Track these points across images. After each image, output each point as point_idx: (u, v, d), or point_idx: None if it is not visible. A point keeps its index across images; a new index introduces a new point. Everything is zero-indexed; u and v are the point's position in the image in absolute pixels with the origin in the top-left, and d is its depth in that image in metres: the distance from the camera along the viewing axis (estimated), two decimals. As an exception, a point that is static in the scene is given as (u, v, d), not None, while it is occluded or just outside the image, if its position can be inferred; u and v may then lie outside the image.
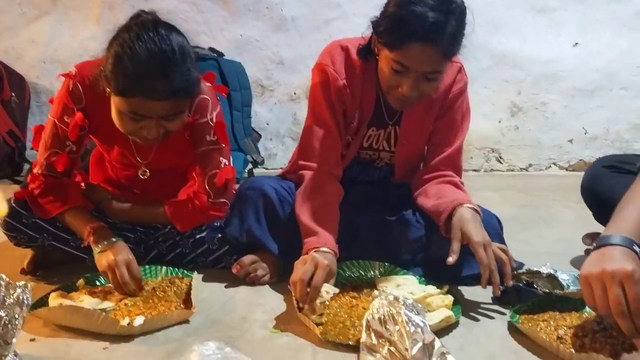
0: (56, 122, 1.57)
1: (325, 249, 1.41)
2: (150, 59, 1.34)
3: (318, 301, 1.36)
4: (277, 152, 3.54)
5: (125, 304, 1.42)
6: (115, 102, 1.42)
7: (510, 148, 3.39)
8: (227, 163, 1.66)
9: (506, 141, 3.38)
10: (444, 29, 1.34)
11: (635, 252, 1.09)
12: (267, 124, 3.51)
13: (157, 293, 1.47)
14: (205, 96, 1.60)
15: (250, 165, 3.16)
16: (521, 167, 3.40)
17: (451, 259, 1.37)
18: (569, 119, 3.32)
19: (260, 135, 3.34)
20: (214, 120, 1.61)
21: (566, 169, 3.36)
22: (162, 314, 1.35)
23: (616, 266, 1.05)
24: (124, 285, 1.44)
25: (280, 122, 3.51)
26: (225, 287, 1.59)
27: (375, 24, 1.45)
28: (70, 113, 1.55)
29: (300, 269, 1.35)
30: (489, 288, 1.39)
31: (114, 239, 1.51)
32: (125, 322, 1.30)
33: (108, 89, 1.42)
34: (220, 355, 0.84)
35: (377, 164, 1.74)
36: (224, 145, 1.65)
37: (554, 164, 3.38)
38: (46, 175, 1.60)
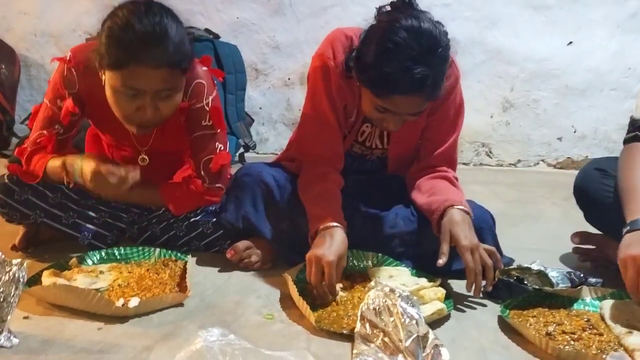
0: (49, 105, 1.57)
1: (332, 223, 1.43)
2: (145, 29, 1.36)
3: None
4: (268, 137, 3.53)
5: (119, 285, 1.42)
6: (110, 82, 1.41)
7: (501, 143, 3.42)
8: (222, 148, 1.66)
9: (497, 136, 3.41)
10: (428, 80, 1.34)
11: None
12: (260, 108, 3.49)
13: (151, 275, 1.47)
14: (201, 81, 1.60)
15: (241, 150, 3.15)
16: (510, 163, 3.44)
17: (441, 261, 1.39)
18: (559, 117, 3.36)
19: (252, 120, 3.32)
20: (210, 105, 1.61)
21: (554, 166, 3.40)
22: (157, 296, 1.35)
23: None
24: (123, 176, 1.45)
25: (273, 107, 3.49)
26: (219, 271, 1.59)
27: (357, 68, 1.43)
28: (62, 98, 1.55)
29: (311, 270, 1.37)
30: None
31: (78, 160, 1.49)
32: (119, 303, 1.30)
33: (102, 69, 1.42)
34: (224, 342, 0.85)
35: (369, 157, 1.74)
36: (219, 130, 1.65)
37: (543, 160, 3.42)
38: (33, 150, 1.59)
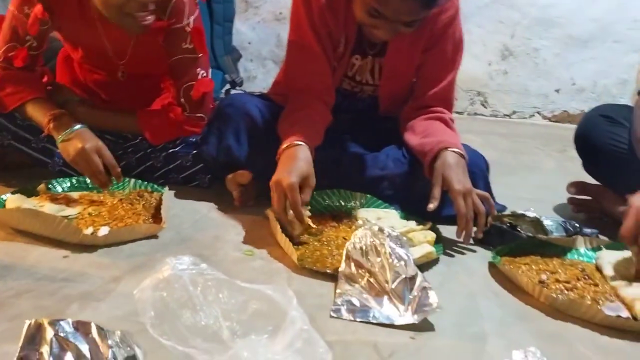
0: (15, 12, 1.44)
1: (296, 142, 1.32)
2: None
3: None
4: (257, 75, 3.39)
5: (90, 213, 1.34)
6: None
7: (497, 93, 3.31)
8: (204, 74, 1.55)
9: (493, 85, 3.30)
10: None
11: None
12: (249, 43, 3.33)
13: (124, 205, 1.38)
14: None
15: (228, 86, 3.01)
16: (505, 114, 3.34)
17: (431, 206, 1.32)
18: (558, 67, 3.24)
19: (240, 55, 3.16)
20: (191, 25, 1.49)
21: (549, 119, 3.30)
22: (129, 226, 1.27)
23: None
24: (98, 174, 1.36)
25: (262, 42, 3.33)
26: (197, 205, 1.51)
27: None
28: (30, 4, 1.42)
29: (273, 198, 1.27)
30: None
31: (77, 126, 1.40)
32: (88, 231, 1.22)
33: None
34: (195, 271, 0.77)
35: (360, 95, 1.64)
36: (201, 54, 1.54)
37: (538, 112, 3.32)
38: (4, 68, 1.47)
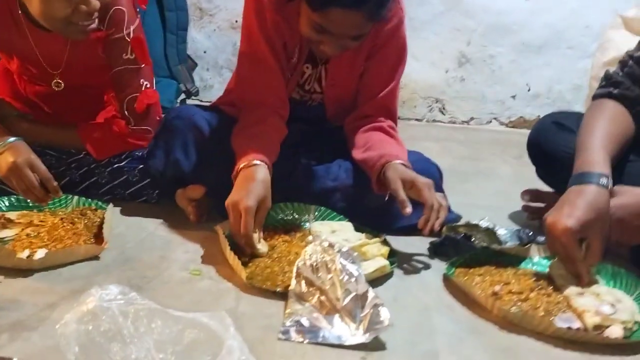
0: None
1: (254, 161, 1.28)
2: None
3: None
4: (213, 84, 3.32)
5: (28, 235, 1.26)
6: None
7: (455, 100, 3.32)
8: (148, 85, 1.50)
9: (451, 92, 3.31)
10: None
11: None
12: (205, 52, 3.27)
13: (65, 225, 1.31)
14: (121, 7, 1.42)
15: (183, 96, 2.95)
16: (463, 120, 3.36)
17: (408, 210, 1.28)
18: (514, 74, 3.27)
19: (196, 64, 3.10)
20: (131, 35, 1.44)
21: (506, 125, 3.33)
22: (67, 247, 1.21)
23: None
24: (33, 189, 1.29)
25: (219, 51, 3.27)
26: (144, 222, 1.45)
27: None
28: None
29: (231, 220, 1.23)
30: (425, 241, 1.37)
31: (10, 139, 1.32)
32: (24, 254, 1.15)
33: None
34: (122, 301, 0.71)
35: (310, 104, 1.61)
36: (143, 64, 1.48)
37: (495, 119, 3.35)
38: None
